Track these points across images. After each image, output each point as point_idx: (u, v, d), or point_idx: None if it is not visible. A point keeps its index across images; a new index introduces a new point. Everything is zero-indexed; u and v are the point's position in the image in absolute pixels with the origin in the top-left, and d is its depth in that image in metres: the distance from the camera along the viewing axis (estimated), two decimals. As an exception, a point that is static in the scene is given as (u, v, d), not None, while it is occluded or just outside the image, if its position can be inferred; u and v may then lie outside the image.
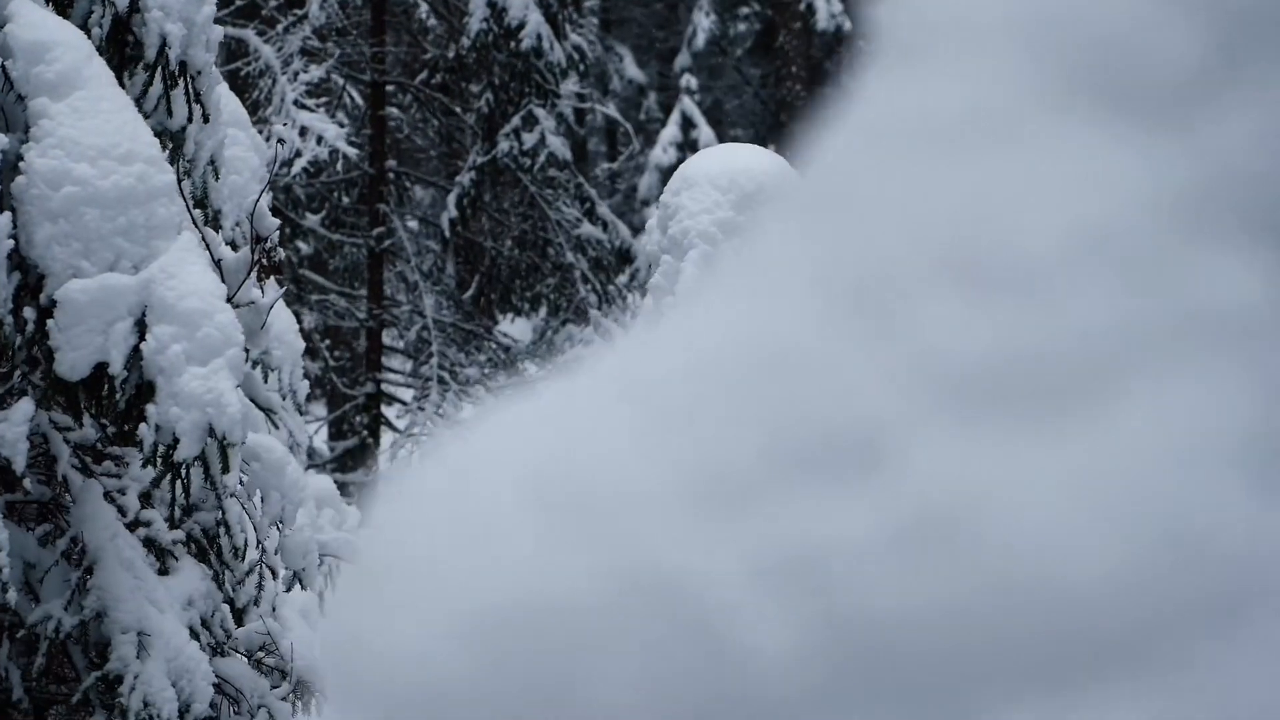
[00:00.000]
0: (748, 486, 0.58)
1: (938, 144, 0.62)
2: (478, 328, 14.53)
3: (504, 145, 13.84)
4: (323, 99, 13.52)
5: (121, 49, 5.28)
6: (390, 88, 14.23)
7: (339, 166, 13.69)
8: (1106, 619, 0.56)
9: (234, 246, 5.88)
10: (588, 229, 14.29)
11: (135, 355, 4.72)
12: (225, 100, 6.03)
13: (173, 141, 5.40)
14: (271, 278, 6.02)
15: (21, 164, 4.69)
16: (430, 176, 16.04)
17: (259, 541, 5.58)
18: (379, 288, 13.87)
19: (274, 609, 5.80)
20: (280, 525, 5.69)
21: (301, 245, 14.59)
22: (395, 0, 14.47)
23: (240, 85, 12.70)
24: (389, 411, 14.59)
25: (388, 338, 15.16)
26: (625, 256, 14.50)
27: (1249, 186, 0.62)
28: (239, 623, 5.64)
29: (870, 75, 0.66)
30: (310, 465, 11.97)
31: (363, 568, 0.63)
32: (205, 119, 5.45)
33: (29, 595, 5.12)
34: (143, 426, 4.71)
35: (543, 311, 14.71)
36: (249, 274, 5.34)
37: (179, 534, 5.32)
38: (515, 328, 17.42)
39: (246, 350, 4.92)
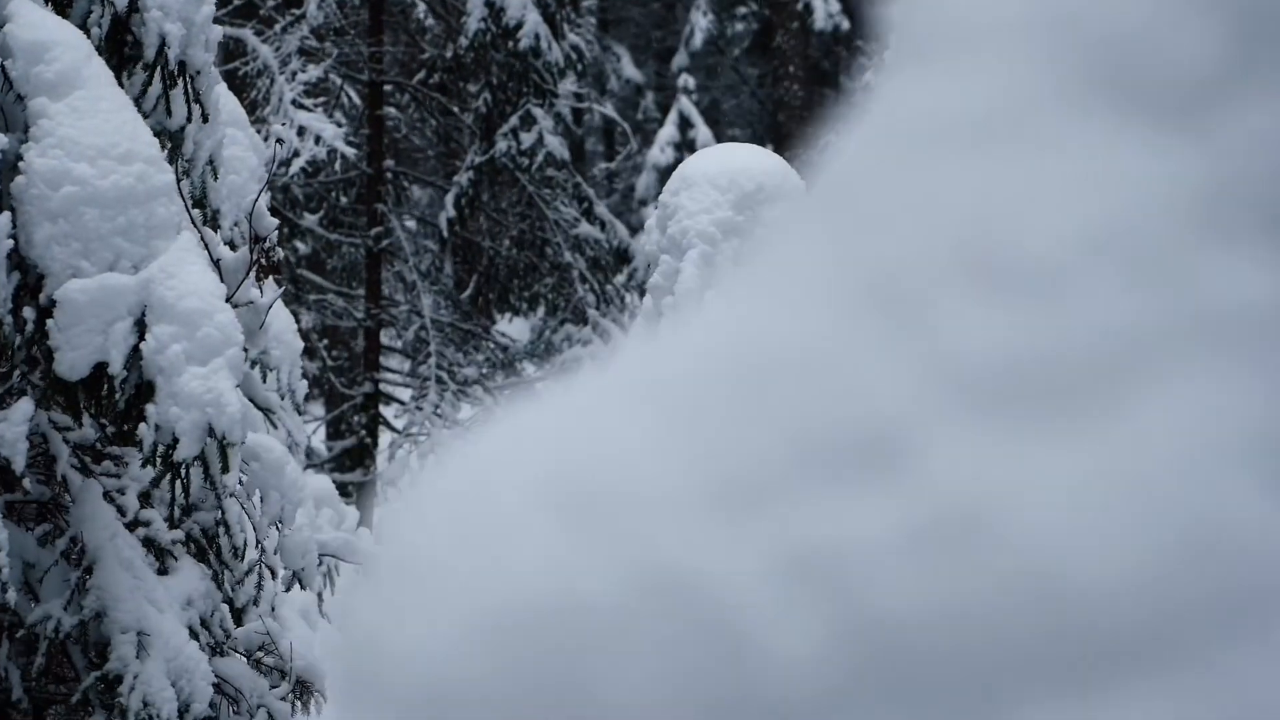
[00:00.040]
0: (764, 486, 0.58)
1: (953, 144, 0.62)
2: (476, 327, 14.53)
3: (502, 145, 13.84)
4: (320, 99, 13.51)
5: (120, 48, 5.27)
6: (388, 87, 14.23)
7: (337, 166, 13.69)
8: (1122, 619, 0.56)
9: (232, 246, 5.87)
10: (586, 229, 14.29)
11: (135, 355, 4.72)
12: (224, 100, 6.02)
13: (171, 141, 5.40)
14: (270, 277, 6.02)
15: (21, 164, 4.69)
16: (428, 176, 16.04)
17: (258, 541, 5.58)
18: (377, 287, 13.86)
19: (273, 609, 5.79)
20: (279, 525, 5.68)
21: (299, 245, 14.59)
22: (393, 0, 14.47)
23: (238, 85, 12.69)
24: (387, 411, 14.58)
25: (385, 337, 15.16)
26: (623, 256, 14.50)
27: (1263, 186, 0.62)
28: (238, 622, 5.64)
29: (885, 75, 0.66)
30: (308, 465, 11.96)
31: (378, 567, 0.63)
32: (204, 119, 5.45)
33: (28, 595, 5.12)
34: (142, 426, 4.71)
35: (541, 311, 14.71)
36: (248, 274, 5.34)
37: (178, 534, 5.32)
38: (513, 327, 17.41)
39: (245, 350, 4.92)
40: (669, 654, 0.58)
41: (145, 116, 5.20)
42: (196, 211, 5.31)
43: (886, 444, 0.58)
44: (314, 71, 13.11)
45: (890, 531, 0.57)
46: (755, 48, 25.67)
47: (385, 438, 14.60)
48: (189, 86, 5.36)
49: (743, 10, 25.72)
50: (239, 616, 5.63)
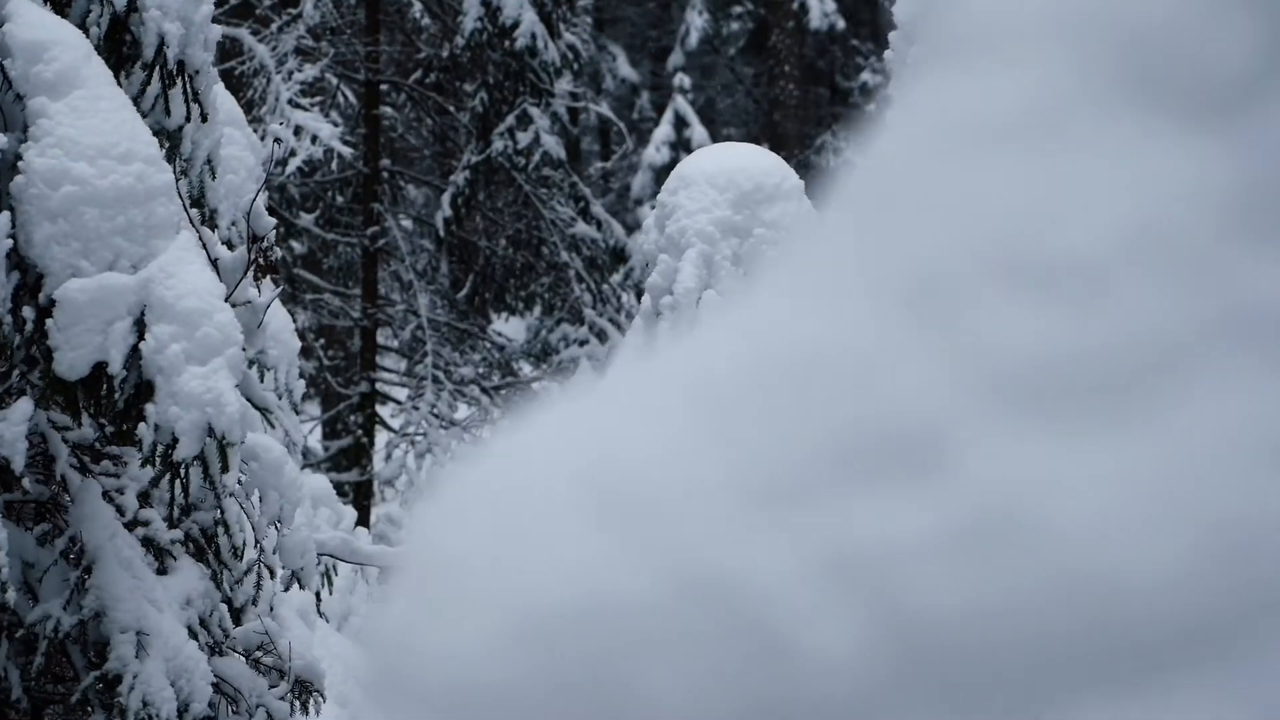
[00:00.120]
0: (803, 486, 0.58)
1: (988, 144, 0.62)
2: (472, 327, 14.52)
3: (498, 144, 13.83)
4: (317, 98, 13.51)
5: (119, 48, 5.27)
6: (384, 87, 14.22)
7: (333, 165, 13.69)
8: (1160, 618, 0.56)
9: (230, 246, 5.87)
10: (582, 228, 14.29)
11: (134, 355, 4.71)
12: (221, 99, 6.02)
13: (170, 141, 5.39)
14: (268, 277, 6.01)
15: (20, 163, 4.68)
16: (424, 176, 16.03)
17: (257, 541, 5.57)
18: (373, 287, 13.86)
19: (271, 608, 5.79)
20: (278, 525, 5.68)
21: (296, 244, 14.59)
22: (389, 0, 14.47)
23: (234, 84, 12.69)
24: (383, 411, 14.58)
25: (382, 337, 15.16)
26: (619, 256, 14.50)
27: (1298, 186, 0.62)
28: (237, 622, 5.63)
29: (914, 76, 0.66)
30: (304, 465, 11.96)
31: (412, 567, 0.63)
32: (203, 118, 5.44)
33: (28, 595, 5.11)
34: (142, 426, 4.70)
35: (537, 311, 14.71)
36: (246, 273, 5.34)
37: (177, 533, 5.31)
38: (509, 327, 17.41)
39: (244, 349, 4.92)
40: (707, 654, 0.58)
41: (144, 116, 5.20)
42: (194, 211, 5.31)
43: (925, 444, 0.58)
44: (310, 71, 13.11)
45: (929, 531, 0.57)
46: (750, 47, 25.68)
47: (381, 437, 14.60)
48: (187, 86, 5.35)
49: (738, 9, 25.73)
50: (238, 616, 5.63)
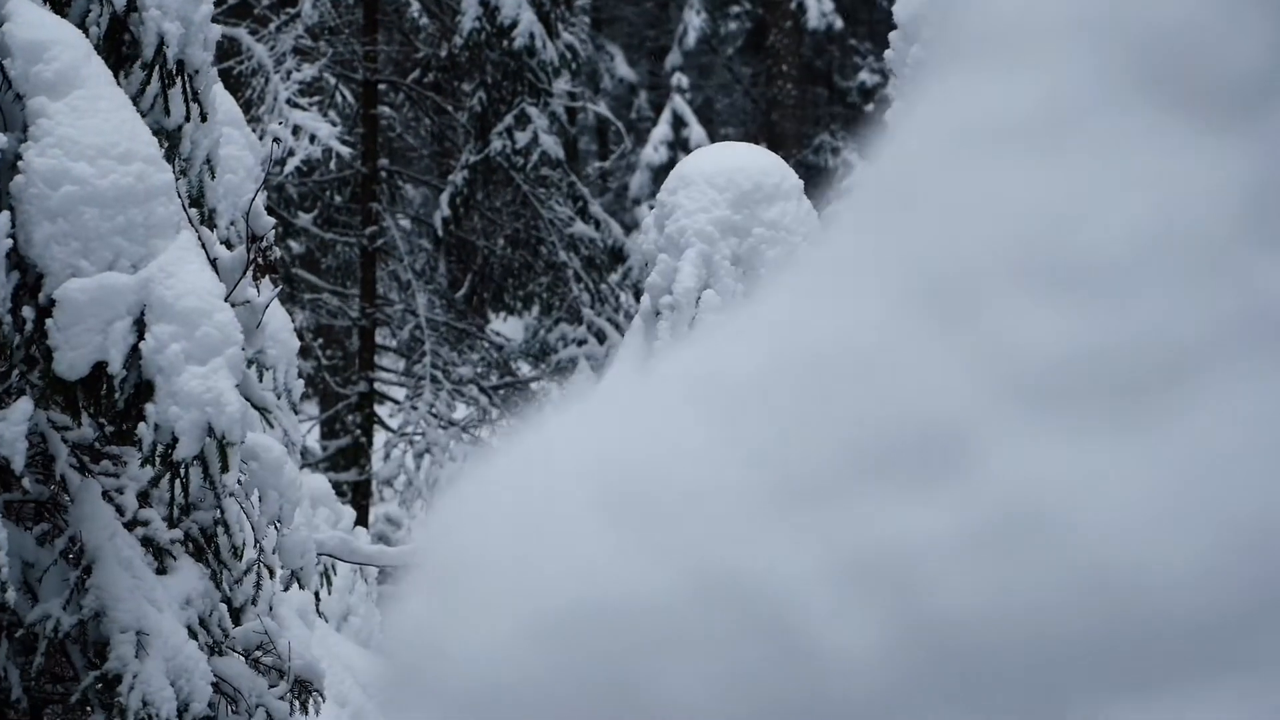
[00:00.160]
0: (823, 486, 0.58)
1: (1007, 144, 0.62)
2: (470, 326, 14.52)
3: (496, 144, 13.83)
4: (315, 98, 13.50)
5: (119, 47, 5.26)
6: (382, 86, 14.22)
7: (332, 165, 13.69)
8: (1183, 617, 0.56)
9: (229, 245, 5.87)
10: (580, 228, 14.29)
11: (134, 354, 4.71)
12: (220, 99, 6.02)
13: (169, 140, 5.39)
14: (267, 277, 6.01)
15: (20, 163, 4.68)
16: (423, 175, 16.03)
17: (256, 541, 5.57)
18: (371, 286, 13.85)
19: (271, 608, 5.79)
20: (278, 524, 5.68)
21: (294, 244, 14.59)
22: (387, -1, 14.47)
23: (233, 84, 12.68)
24: (382, 410, 14.58)
25: (380, 336, 15.15)
26: (618, 255, 14.50)
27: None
28: (236, 622, 5.63)
29: (932, 75, 0.66)
30: (303, 464, 11.96)
31: (432, 566, 0.63)
32: (203, 118, 5.44)
33: (27, 594, 5.11)
34: (141, 426, 4.70)
35: (535, 310, 14.71)
36: (245, 273, 5.34)
37: (177, 533, 5.31)
38: (508, 326, 17.41)
39: (243, 349, 4.92)
40: (727, 654, 0.58)
41: (143, 115, 5.20)
42: (194, 210, 5.31)
43: (946, 444, 0.58)
44: (309, 70, 13.11)
45: (950, 531, 0.57)
46: (748, 47, 25.68)
47: (380, 437, 14.60)
48: (187, 85, 5.35)
49: (736, 9, 25.73)
50: (237, 616, 5.63)
